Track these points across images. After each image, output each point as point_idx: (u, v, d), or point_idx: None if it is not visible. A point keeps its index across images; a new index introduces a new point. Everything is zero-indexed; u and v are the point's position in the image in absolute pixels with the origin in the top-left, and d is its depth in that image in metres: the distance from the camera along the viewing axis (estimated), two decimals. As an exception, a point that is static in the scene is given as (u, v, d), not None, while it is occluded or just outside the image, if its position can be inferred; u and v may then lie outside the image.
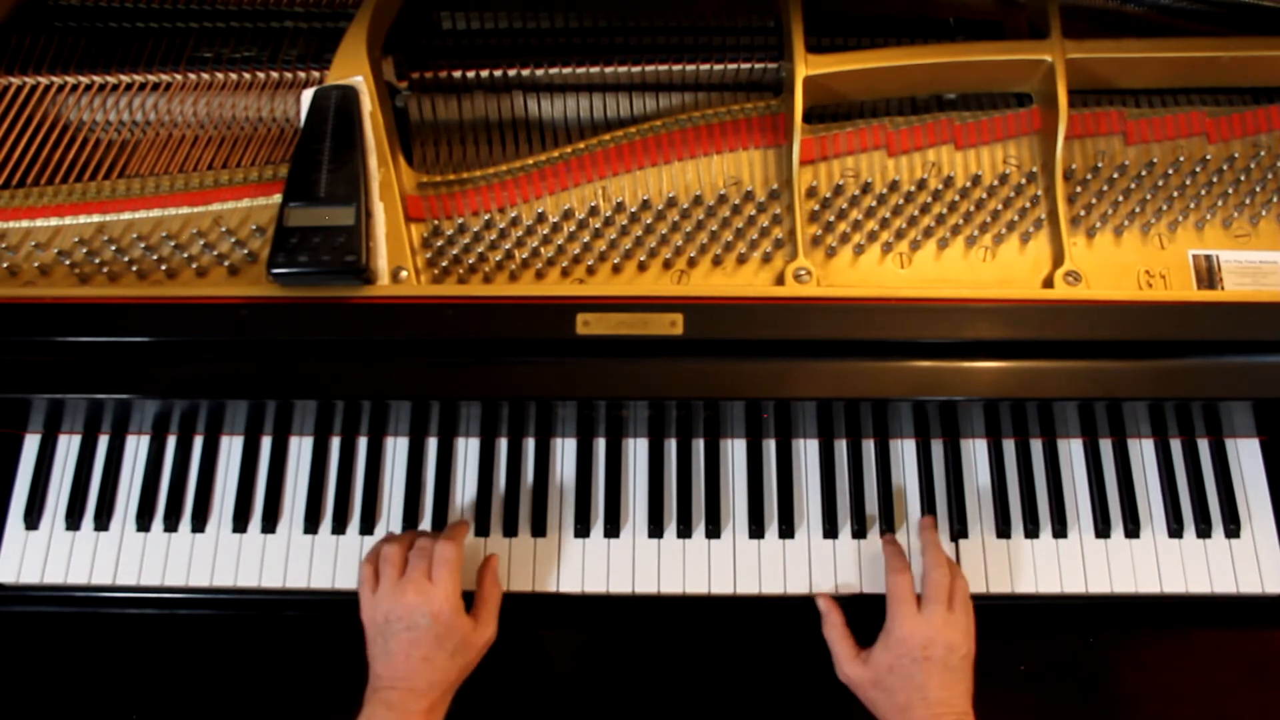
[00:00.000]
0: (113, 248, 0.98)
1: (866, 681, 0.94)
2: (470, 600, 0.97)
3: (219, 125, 1.07)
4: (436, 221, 1.00)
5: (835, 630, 0.98)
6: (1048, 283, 0.98)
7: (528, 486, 1.07)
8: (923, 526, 1.02)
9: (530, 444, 1.09)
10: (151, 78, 1.06)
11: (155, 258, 0.98)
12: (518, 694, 1.37)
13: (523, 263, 0.99)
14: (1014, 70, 1.02)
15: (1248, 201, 1.02)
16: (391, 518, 1.06)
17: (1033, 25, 1.09)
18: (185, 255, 0.98)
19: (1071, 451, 1.08)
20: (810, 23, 1.02)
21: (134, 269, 0.97)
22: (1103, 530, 1.04)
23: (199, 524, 1.06)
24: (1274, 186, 1.03)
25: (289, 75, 1.06)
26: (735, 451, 1.08)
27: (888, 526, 1.05)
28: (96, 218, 1.00)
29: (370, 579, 0.95)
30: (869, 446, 1.08)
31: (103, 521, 1.06)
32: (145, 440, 1.09)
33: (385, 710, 0.89)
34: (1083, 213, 1.01)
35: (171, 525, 1.06)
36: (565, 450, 1.08)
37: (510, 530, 1.05)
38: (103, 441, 1.09)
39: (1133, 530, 1.05)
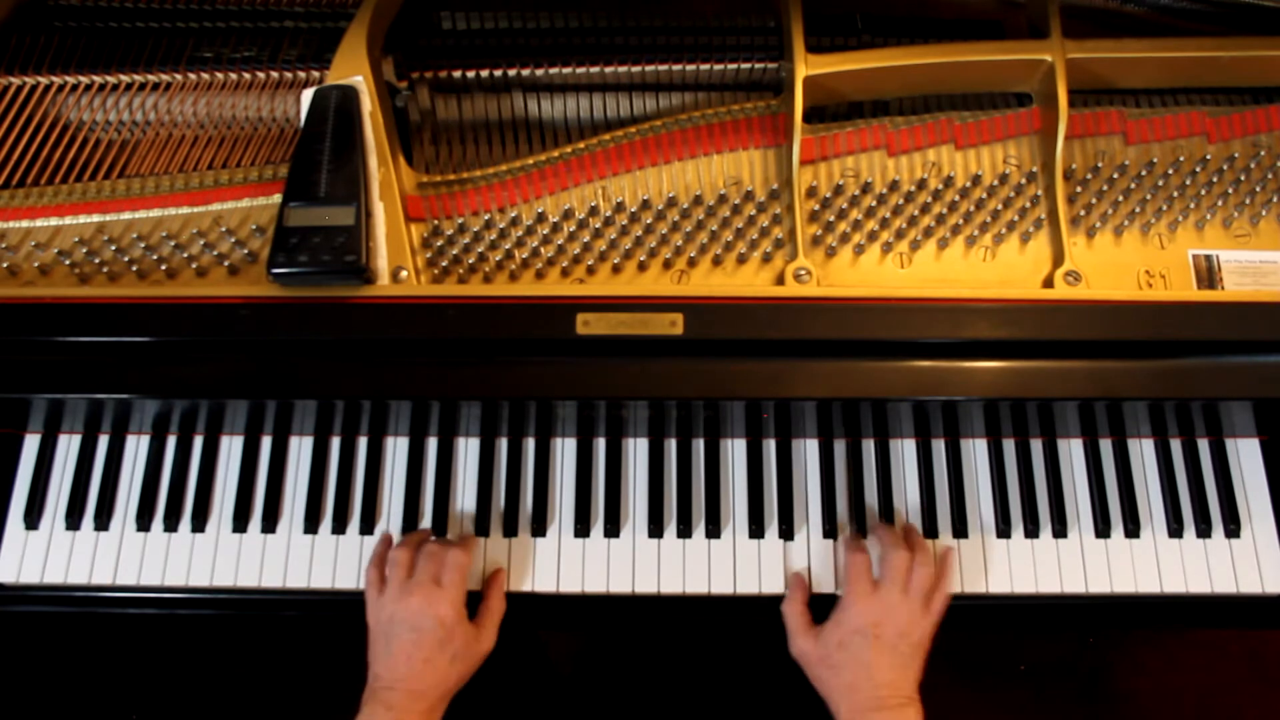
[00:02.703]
0: (113, 248, 0.98)
1: (816, 658, 0.94)
2: (474, 609, 0.98)
3: (219, 125, 1.07)
4: (436, 221, 1.00)
5: (795, 605, 0.98)
6: (1048, 283, 0.98)
7: (528, 486, 1.07)
8: (880, 525, 1.03)
9: (530, 444, 1.09)
10: (151, 78, 1.06)
11: (155, 258, 0.98)
12: (518, 694, 1.37)
13: (523, 263, 0.99)
14: (1014, 70, 1.02)
15: (1248, 201, 1.02)
16: (391, 518, 1.06)
17: (1033, 25, 1.09)
18: (185, 255, 0.98)
19: (1071, 451, 1.08)
20: (810, 23, 1.02)
21: (134, 269, 0.97)
22: (1103, 530, 1.05)
23: (199, 524, 1.06)
24: (1274, 186, 1.03)
25: (289, 75, 1.06)
26: (735, 451, 1.08)
27: (888, 526, 1.05)
28: (96, 218, 1.00)
29: (376, 582, 0.96)
30: (869, 446, 1.08)
31: (103, 521, 1.06)
32: (145, 440, 1.09)
33: (385, 710, 0.89)
34: (1083, 213, 1.02)
35: (171, 525, 1.06)
36: (565, 450, 1.08)
37: (510, 530, 1.05)
38: (103, 441, 1.09)
39: (1133, 530, 1.05)
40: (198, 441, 1.09)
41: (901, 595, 0.93)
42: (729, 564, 1.04)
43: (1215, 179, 1.03)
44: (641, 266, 1.00)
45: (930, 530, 1.05)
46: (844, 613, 0.94)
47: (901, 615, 0.92)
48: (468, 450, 1.09)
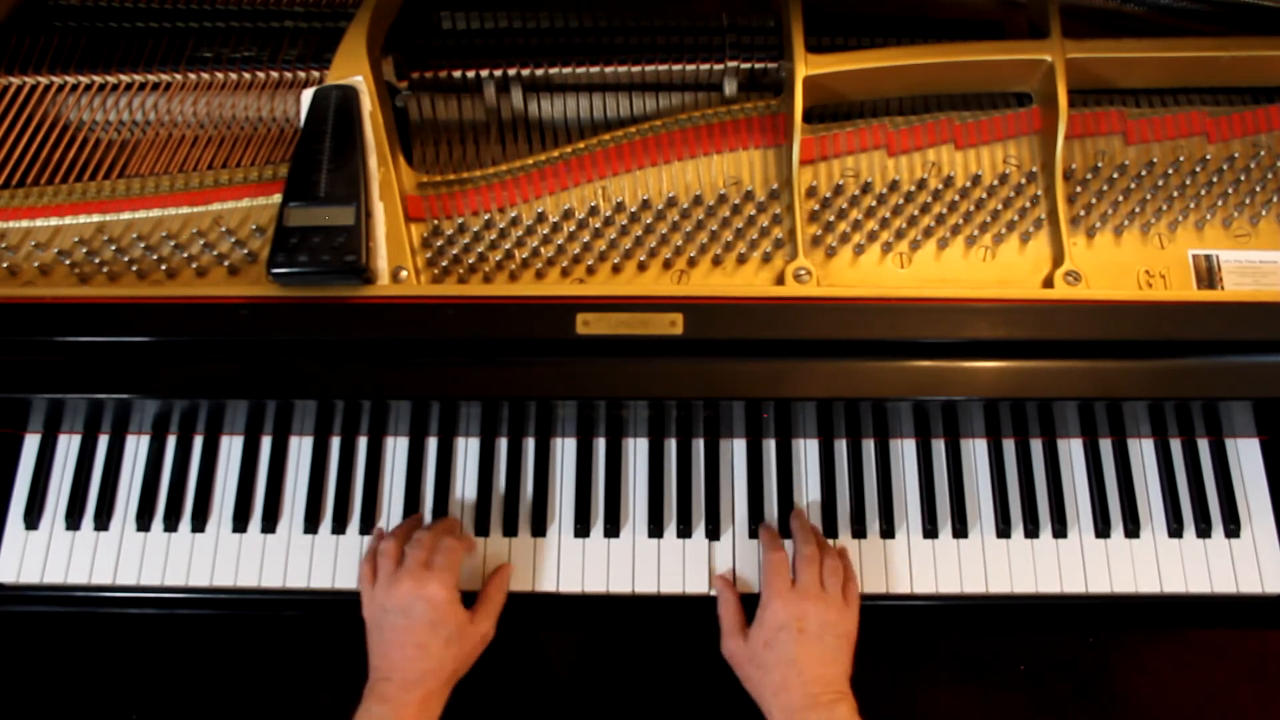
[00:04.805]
0: (113, 248, 0.98)
1: (744, 657, 0.94)
2: (471, 600, 0.97)
3: (219, 125, 1.07)
4: (436, 221, 1.00)
5: (728, 606, 0.98)
6: (1048, 283, 0.98)
7: (528, 486, 1.07)
8: (793, 515, 1.04)
9: (530, 444, 1.09)
10: (151, 78, 1.06)
11: (155, 258, 0.98)
12: (518, 694, 1.37)
13: (523, 263, 0.99)
14: (1014, 70, 1.02)
15: (1248, 201, 1.02)
16: (391, 518, 1.06)
17: (1033, 25, 1.09)
18: (185, 255, 0.98)
19: (1071, 451, 1.08)
20: (810, 23, 1.02)
21: (134, 269, 0.97)
22: (1103, 530, 1.05)
23: (199, 524, 1.06)
24: (1274, 186, 1.03)
25: (289, 75, 1.06)
26: (735, 451, 1.08)
27: (887, 526, 1.05)
28: (96, 218, 1.00)
29: (369, 575, 0.96)
30: (869, 446, 1.08)
31: (102, 521, 1.06)
32: (145, 440, 1.09)
33: (379, 704, 0.88)
34: (1083, 212, 1.02)
35: (171, 525, 1.06)
36: (565, 450, 1.08)
37: (510, 530, 1.05)
38: (103, 441, 1.09)
39: (1133, 530, 1.05)
40: (198, 441, 1.09)
41: (819, 588, 0.94)
42: (729, 564, 1.04)
43: (1215, 179, 1.03)
44: (641, 266, 1.00)
45: (930, 531, 1.05)
46: (766, 610, 0.94)
47: (822, 607, 0.93)
48: (468, 450, 1.09)
